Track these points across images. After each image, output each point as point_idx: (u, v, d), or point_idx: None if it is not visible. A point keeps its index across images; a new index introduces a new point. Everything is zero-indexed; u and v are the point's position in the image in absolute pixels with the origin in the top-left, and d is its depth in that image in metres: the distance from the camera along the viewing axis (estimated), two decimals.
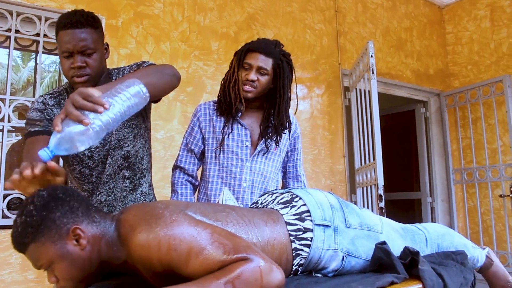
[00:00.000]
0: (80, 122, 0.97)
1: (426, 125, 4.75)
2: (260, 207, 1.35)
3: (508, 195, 4.00)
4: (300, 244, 1.18)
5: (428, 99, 4.73)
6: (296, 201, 1.27)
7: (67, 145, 0.99)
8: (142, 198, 1.70)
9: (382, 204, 2.86)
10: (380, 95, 3.38)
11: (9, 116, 2.51)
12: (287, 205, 1.27)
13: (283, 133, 1.87)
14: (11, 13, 2.53)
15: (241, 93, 1.77)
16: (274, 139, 1.84)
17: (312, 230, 1.19)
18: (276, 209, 1.26)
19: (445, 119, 4.66)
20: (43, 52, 2.66)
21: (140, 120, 1.67)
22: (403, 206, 5.02)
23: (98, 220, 1.07)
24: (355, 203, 3.69)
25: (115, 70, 1.63)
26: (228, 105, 1.79)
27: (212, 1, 3.22)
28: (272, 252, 1.13)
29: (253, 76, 1.74)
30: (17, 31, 2.56)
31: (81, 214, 1.04)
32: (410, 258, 1.20)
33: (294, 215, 1.22)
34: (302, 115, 3.55)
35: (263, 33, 3.41)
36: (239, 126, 1.83)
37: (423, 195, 4.71)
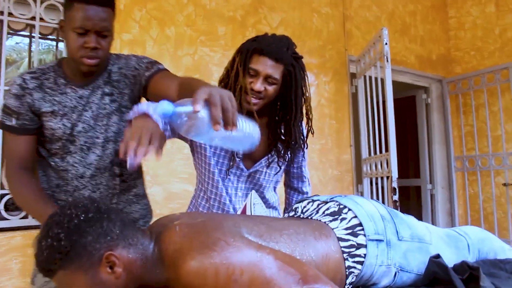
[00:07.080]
0: (229, 129, 0.85)
1: (427, 111, 4.66)
2: (303, 217, 1.25)
3: (511, 184, 3.98)
4: (353, 262, 1.08)
5: (430, 85, 4.63)
6: (345, 213, 1.16)
7: (196, 132, 0.86)
8: (135, 200, 1.56)
9: (396, 197, 2.79)
10: (382, 81, 3.27)
11: None
12: (335, 217, 1.16)
13: (298, 151, 1.64)
14: None
15: (244, 105, 1.45)
16: (286, 157, 1.60)
17: (365, 246, 1.09)
18: (325, 222, 1.16)
19: (446, 105, 4.58)
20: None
21: None
22: (403, 193, 4.96)
23: (135, 242, 0.93)
24: (361, 193, 3.63)
25: (113, 56, 1.48)
26: None
27: None
28: (327, 273, 1.02)
29: (259, 85, 1.43)
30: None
31: (116, 236, 0.90)
32: (469, 273, 1.12)
33: (346, 229, 1.12)
34: None
35: (270, 17, 3.25)
36: None
37: (423, 182, 4.67)
